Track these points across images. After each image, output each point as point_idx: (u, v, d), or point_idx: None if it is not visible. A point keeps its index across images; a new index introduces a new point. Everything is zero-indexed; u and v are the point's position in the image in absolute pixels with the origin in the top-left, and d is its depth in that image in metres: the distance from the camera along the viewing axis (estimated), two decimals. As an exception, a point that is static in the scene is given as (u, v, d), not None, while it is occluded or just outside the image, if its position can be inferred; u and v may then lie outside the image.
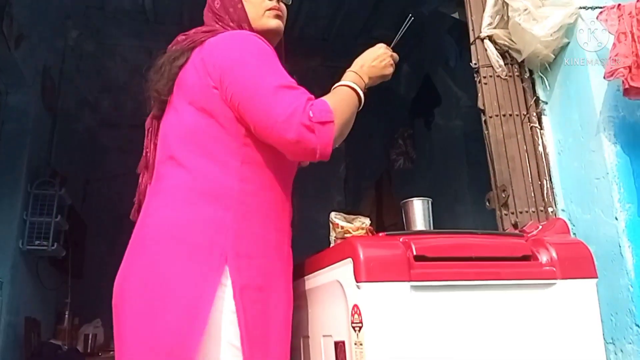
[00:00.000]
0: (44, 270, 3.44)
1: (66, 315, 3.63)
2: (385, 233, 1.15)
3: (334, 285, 1.10)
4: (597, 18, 1.46)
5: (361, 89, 1.17)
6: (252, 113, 1.06)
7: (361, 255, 1.01)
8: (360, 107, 1.18)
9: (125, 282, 1.08)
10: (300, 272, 1.23)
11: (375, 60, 1.24)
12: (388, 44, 1.29)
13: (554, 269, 1.10)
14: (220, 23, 1.22)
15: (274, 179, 1.14)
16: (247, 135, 1.10)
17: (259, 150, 1.11)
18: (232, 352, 1.01)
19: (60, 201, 3.26)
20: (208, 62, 1.11)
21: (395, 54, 1.30)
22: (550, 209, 1.54)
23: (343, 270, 1.06)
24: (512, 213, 1.54)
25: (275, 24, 1.24)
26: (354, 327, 1.00)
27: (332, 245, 1.33)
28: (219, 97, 1.10)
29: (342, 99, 1.14)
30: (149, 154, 1.24)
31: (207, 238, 1.05)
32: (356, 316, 1.00)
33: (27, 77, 3.13)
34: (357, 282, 1.01)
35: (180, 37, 1.23)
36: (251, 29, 1.21)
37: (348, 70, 1.22)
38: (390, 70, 1.26)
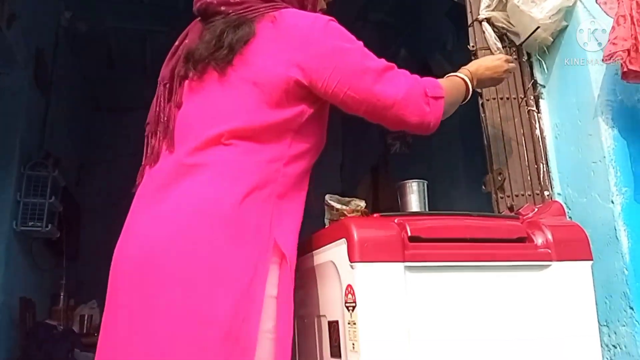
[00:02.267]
0: (39, 251, 3.45)
1: (61, 296, 3.64)
2: (380, 214, 1.14)
3: (328, 266, 1.10)
4: (596, 1, 1.44)
5: (471, 87, 1.26)
6: (365, 95, 1.07)
7: (355, 236, 1.01)
8: (465, 101, 1.27)
9: (158, 254, 1.00)
10: (294, 253, 1.22)
11: (490, 69, 1.34)
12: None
13: (549, 251, 1.10)
14: None
15: (309, 164, 1.15)
16: (302, 124, 1.09)
17: (307, 137, 1.11)
18: (267, 337, 1.00)
19: (54, 183, 3.26)
20: (292, 49, 1.06)
21: (513, 65, 1.41)
22: (546, 193, 1.54)
23: (337, 250, 1.06)
24: (508, 196, 1.53)
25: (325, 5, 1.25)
26: (347, 307, 1.00)
27: (326, 227, 1.33)
28: (300, 88, 1.06)
29: (452, 84, 1.23)
30: (167, 119, 1.14)
31: (253, 220, 1.02)
32: (350, 296, 1.00)
33: (19, 58, 3.10)
34: (351, 262, 1.00)
35: None
36: (311, 9, 1.20)
37: (463, 67, 1.31)
38: (499, 82, 1.42)
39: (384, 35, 4.08)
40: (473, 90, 1.28)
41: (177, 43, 1.21)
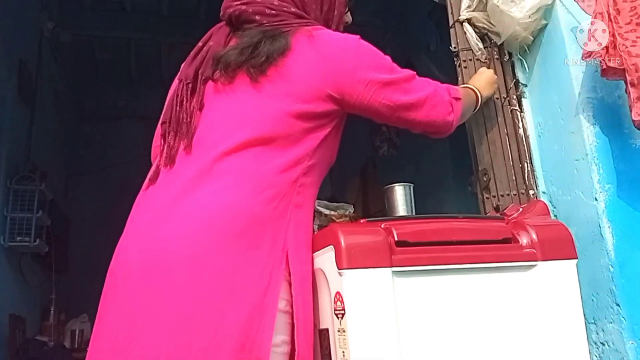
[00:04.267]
0: (27, 266, 3.41)
1: (51, 311, 3.60)
2: (367, 219, 1.15)
3: (317, 274, 1.10)
4: (574, -1, 1.46)
5: (480, 96, 1.43)
6: (400, 101, 1.15)
7: (342, 242, 1.01)
8: (475, 110, 1.44)
9: (170, 259, 0.98)
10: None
11: (491, 85, 1.51)
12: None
13: (534, 251, 1.10)
14: (302, 10, 1.19)
15: (322, 177, 1.18)
16: (324, 137, 1.12)
17: (325, 150, 1.14)
18: (275, 351, 0.99)
19: (41, 196, 3.23)
20: (328, 65, 1.11)
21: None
22: (531, 192, 1.55)
23: (325, 257, 1.06)
24: (494, 196, 1.54)
25: None
26: (336, 315, 1.00)
27: (315, 233, 1.33)
28: (333, 102, 1.11)
29: (465, 92, 1.37)
30: (189, 119, 1.12)
31: (271, 230, 1.03)
32: (339, 303, 1.00)
33: (2, 70, 3.07)
34: (339, 269, 1.00)
35: (254, 8, 1.14)
36: (335, 28, 1.26)
37: (470, 82, 1.48)
38: (494, 92, 1.56)
39: (369, 36, 4.09)
40: (482, 98, 1.43)
41: (200, 44, 1.21)
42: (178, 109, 1.15)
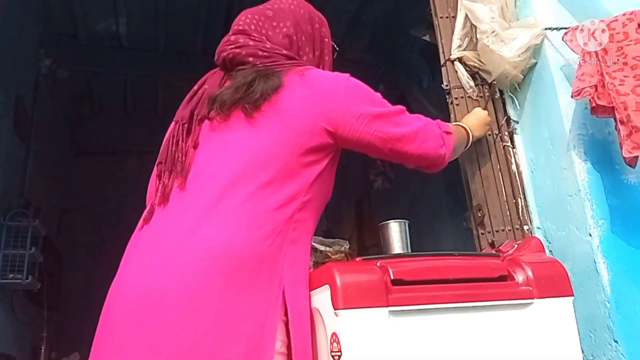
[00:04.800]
0: (19, 303, 3.36)
1: (42, 350, 3.53)
2: (362, 257, 1.14)
3: (313, 313, 1.09)
4: (562, 39, 1.50)
5: (471, 134, 1.45)
6: (391, 134, 1.18)
7: (338, 282, 1.00)
8: (466, 147, 1.46)
9: (166, 296, 0.98)
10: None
11: (483, 125, 1.54)
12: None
13: (531, 289, 1.10)
14: (294, 52, 1.24)
15: (319, 213, 1.18)
16: (320, 172, 1.13)
17: (321, 185, 1.15)
18: None
19: (34, 232, 3.20)
20: (320, 101, 1.13)
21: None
22: (525, 227, 1.56)
23: (321, 297, 1.05)
24: (489, 232, 1.54)
25: None
26: (333, 356, 0.99)
27: (311, 269, 1.32)
28: (327, 135, 1.13)
29: (456, 128, 1.39)
30: (184, 158, 1.14)
31: (267, 267, 1.02)
32: (335, 344, 0.99)
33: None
34: (334, 309, 0.99)
35: (247, 50, 1.19)
36: (326, 68, 1.31)
37: (462, 121, 1.51)
38: (486, 133, 1.60)
39: (362, 72, 4.16)
40: (473, 137, 1.46)
41: (195, 88, 1.25)
42: (174, 149, 1.17)
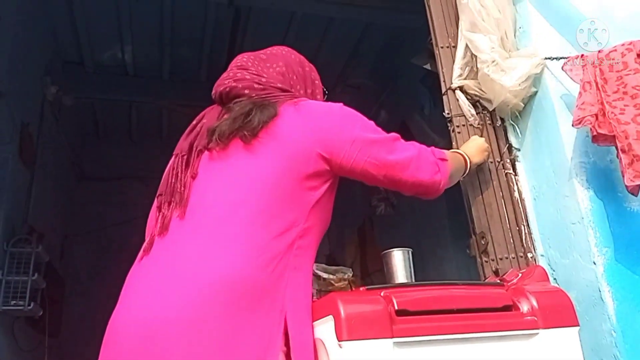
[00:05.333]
0: (20, 330, 3.33)
1: (43, 378, 3.49)
2: (366, 287, 1.14)
3: (317, 343, 1.08)
4: (562, 68, 1.52)
5: (469, 161, 1.46)
6: (385, 160, 1.19)
7: (342, 313, 1.00)
8: (464, 175, 1.47)
9: (166, 328, 0.98)
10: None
11: (481, 152, 1.55)
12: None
13: (536, 319, 1.09)
14: (288, 85, 1.28)
15: (319, 239, 1.18)
16: (319, 198, 1.14)
17: (320, 211, 1.16)
18: None
19: (37, 259, 3.19)
20: (314, 128, 1.16)
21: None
22: (530, 255, 1.55)
23: (324, 328, 1.05)
24: (493, 260, 1.54)
25: None
26: (337, 389, 0.98)
27: (314, 298, 1.32)
28: (323, 161, 1.15)
29: (453, 155, 1.40)
30: (183, 188, 1.15)
31: (268, 294, 1.02)
32: (339, 377, 0.98)
33: (5, 134, 3.12)
34: (338, 340, 0.99)
35: (243, 84, 1.23)
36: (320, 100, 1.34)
37: (461, 149, 1.52)
38: (484, 160, 1.59)
39: (364, 98, 4.21)
40: (472, 164, 1.47)
41: (194, 122, 1.28)
42: (173, 180, 1.19)
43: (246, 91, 1.23)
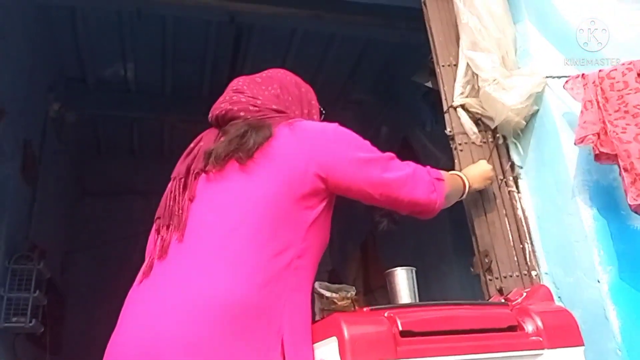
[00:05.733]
0: (21, 347, 3.31)
1: (43, 396, 3.46)
2: (370, 308, 1.14)
3: (319, 365, 1.07)
4: (563, 87, 1.52)
5: (468, 185, 1.45)
6: (381, 179, 1.19)
7: (346, 334, 0.99)
8: (462, 197, 1.46)
9: (164, 349, 0.98)
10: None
11: (483, 179, 1.55)
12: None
13: (541, 339, 1.09)
14: (283, 107, 1.29)
15: (318, 259, 1.18)
16: (315, 218, 1.14)
17: (318, 231, 1.16)
18: None
19: (38, 275, 3.18)
20: (310, 148, 1.16)
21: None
22: (534, 273, 1.55)
23: (327, 349, 1.04)
24: (497, 278, 1.54)
25: None
26: (341, 412, 0.97)
27: (317, 317, 1.31)
28: (319, 181, 1.15)
29: (450, 176, 1.40)
30: (181, 211, 1.16)
31: (266, 315, 1.02)
32: (343, 399, 0.97)
33: (7, 151, 3.12)
34: (343, 362, 0.98)
35: (239, 106, 1.24)
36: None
37: (464, 171, 1.52)
38: (489, 181, 1.59)
39: (365, 114, 4.22)
40: (470, 188, 1.46)
41: (191, 145, 1.29)
42: (171, 203, 1.20)
43: (242, 113, 1.24)
